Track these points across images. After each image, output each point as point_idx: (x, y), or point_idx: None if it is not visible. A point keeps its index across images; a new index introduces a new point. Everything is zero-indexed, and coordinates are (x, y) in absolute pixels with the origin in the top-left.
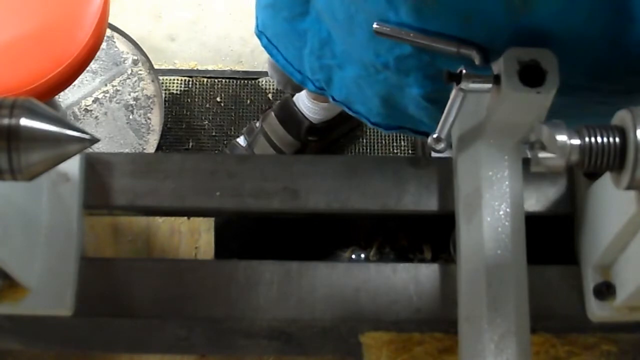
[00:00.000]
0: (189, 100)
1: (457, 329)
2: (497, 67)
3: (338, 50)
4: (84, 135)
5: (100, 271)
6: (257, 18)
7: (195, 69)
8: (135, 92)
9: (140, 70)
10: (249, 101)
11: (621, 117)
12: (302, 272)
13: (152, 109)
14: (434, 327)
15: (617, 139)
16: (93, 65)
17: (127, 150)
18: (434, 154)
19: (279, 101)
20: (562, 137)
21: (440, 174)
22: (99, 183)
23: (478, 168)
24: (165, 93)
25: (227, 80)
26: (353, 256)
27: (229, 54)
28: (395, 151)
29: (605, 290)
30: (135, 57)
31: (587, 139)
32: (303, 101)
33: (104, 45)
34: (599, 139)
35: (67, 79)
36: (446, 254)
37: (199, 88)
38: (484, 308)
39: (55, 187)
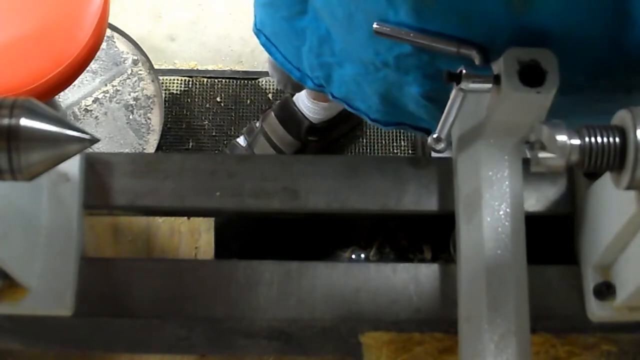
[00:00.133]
0: (189, 100)
1: (457, 329)
2: (497, 67)
3: (337, 48)
4: (84, 135)
5: (100, 271)
6: (255, 16)
7: (195, 69)
8: (135, 92)
9: (140, 70)
10: (249, 101)
11: (621, 117)
12: (302, 272)
13: (152, 109)
14: (434, 327)
15: (617, 139)
16: (93, 65)
17: (127, 150)
18: (434, 154)
19: (279, 101)
20: (562, 137)
21: (440, 174)
22: (99, 183)
23: (478, 168)
24: (165, 93)
25: (227, 80)
26: (353, 256)
27: (229, 54)
28: (395, 151)
29: (605, 290)
30: (135, 57)
31: (587, 139)
32: (303, 101)
33: (104, 45)
34: (599, 139)
35: (67, 79)
36: (446, 254)
37: (199, 88)
38: (484, 308)
39: (55, 187)
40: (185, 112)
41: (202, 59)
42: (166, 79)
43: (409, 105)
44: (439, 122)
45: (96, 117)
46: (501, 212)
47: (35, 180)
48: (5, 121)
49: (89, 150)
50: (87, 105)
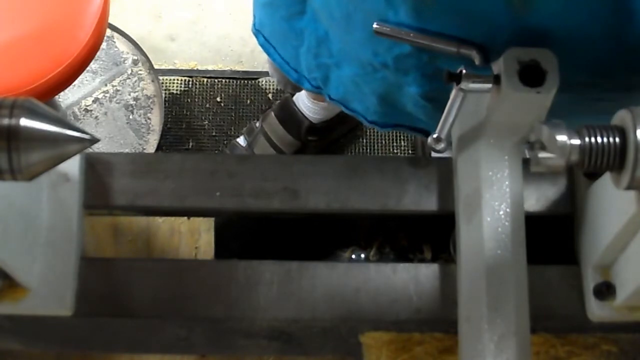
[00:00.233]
0: (189, 100)
1: (457, 329)
2: (497, 67)
3: (335, 49)
4: (83, 135)
5: (100, 271)
6: (254, 16)
7: (195, 69)
8: (135, 92)
9: (140, 70)
10: (249, 101)
11: (621, 117)
12: (302, 272)
13: (152, 109)
14: (434, 327)
15: (617, 139)
16: (93, 65)
17: (127, 150)
18: (434, 154)
19: (279, 101)
20: (562, 137)
21: (440, 174)
22: (99, 183)
23: (478, 168)
24: (165, 93)
25: (227, 80)
26: (353, 256)
27: (229, 54)
28: (395, 151)
29: (605, 290)
30: (135, 57)
31: (587, 139)
32: (303, 101)
33: (104, 45)
34: (599, 139)
35: (67, 79)
36: (446, 254)
37: (199, 88)
38: (484, 308)
39: (55, 187)
40: (185, 112)
41: (202, 59)
42: (166, 79)
43: (407, 106)
44: (439, 122)
45: (96, 117)
46: (501, 212)
47: (35, 180)
48: (5, 121)
49: (89, 150)
50: (87, 105)
